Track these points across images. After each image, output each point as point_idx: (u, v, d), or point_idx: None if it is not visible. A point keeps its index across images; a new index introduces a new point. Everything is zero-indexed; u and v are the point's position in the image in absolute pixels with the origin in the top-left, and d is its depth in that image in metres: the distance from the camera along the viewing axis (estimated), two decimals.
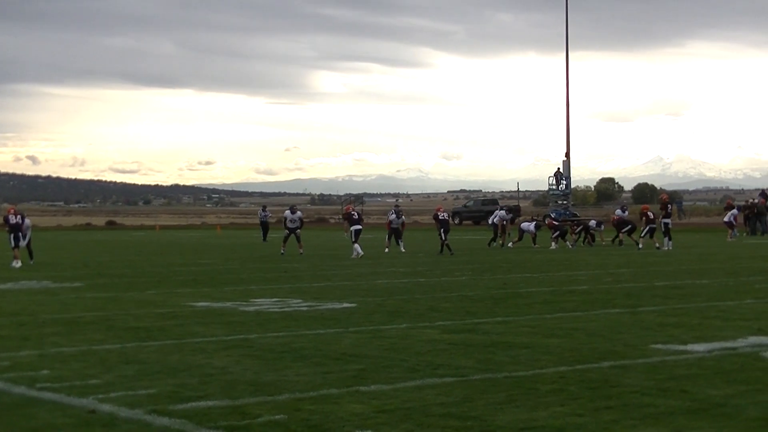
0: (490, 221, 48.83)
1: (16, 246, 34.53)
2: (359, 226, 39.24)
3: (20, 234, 34.68)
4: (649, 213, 42.74)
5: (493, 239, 46.94)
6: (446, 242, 40.17)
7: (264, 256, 39.55)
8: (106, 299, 21.04)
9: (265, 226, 58.77)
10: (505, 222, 47.49)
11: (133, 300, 20.82)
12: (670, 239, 41.78)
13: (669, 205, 43.46)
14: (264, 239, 56.60)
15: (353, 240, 38.26)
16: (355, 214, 40.54)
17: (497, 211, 49.21)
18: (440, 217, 41.74)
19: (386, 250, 42.09)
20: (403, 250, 41.56)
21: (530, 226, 46.99)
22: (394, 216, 43.76)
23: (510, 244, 45.99)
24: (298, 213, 42.03)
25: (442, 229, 40.74)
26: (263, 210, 61.72)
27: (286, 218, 41.79)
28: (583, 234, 47.80)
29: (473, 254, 40.02)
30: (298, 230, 40.92)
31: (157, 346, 13.57)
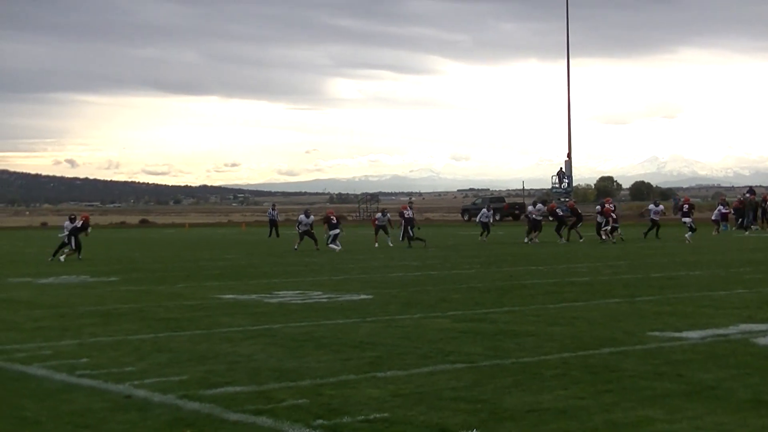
0: (477, 219, 48.50)
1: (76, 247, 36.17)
2: (338, 230, 40.06)
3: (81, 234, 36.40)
4: (612, 214, 42.93)
5: (483, 233, 46.50)
6: (411, 236, 42.01)
7: (286, 252, 39.56)
8: (139, 292, 21.09)
9: (273, 223, 59.18)
10: (537, 216, 45.09)
11: (165, 293, 20.86)
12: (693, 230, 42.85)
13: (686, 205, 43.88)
14: (276, 235, 56.72)
15: (328, 242, 39.24)
16: (334, 218, 40.86)
17: (483, 210, 49.06)
18: (405, 215, 43.03)
19: (376, 245, 42.63)
20: (391, 245, 42.52)
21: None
22: (379, 214, 45.17)
23: (534, 240, 44.09)
24: (312, 217, 42.49)
25: (408, 226, 42.46)
26: (272, 208, 62.35)
27: (300, 222, 42.00)
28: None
29: (480, 248, 39.97)
30: (312, 231, 41.23)
31: (187, 336, 13.61)
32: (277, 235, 56.44)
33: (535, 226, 44.77)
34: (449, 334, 13.24)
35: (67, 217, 37.67)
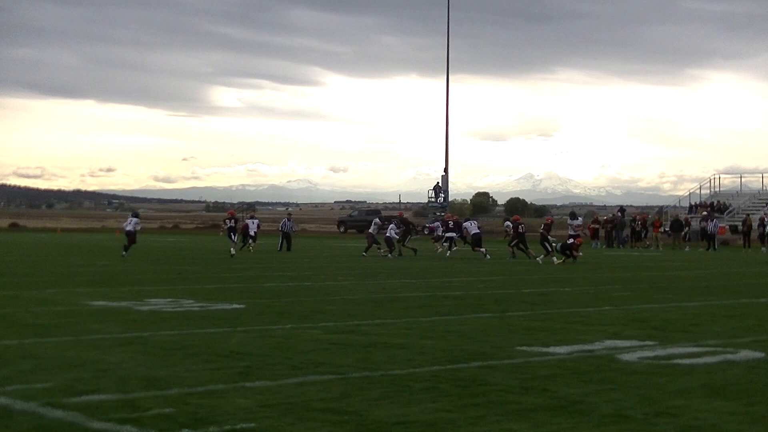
0: (385, 232, 45.46)
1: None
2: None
3: None
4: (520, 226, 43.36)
5: (384, 249, 44.59)
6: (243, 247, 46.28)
7: (159, 259, 39.14)
8: (6, 297, 20.61)
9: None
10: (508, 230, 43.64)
11: (33, 298, 20.44)
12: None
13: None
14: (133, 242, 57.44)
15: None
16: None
17: (392, 225, 47.99)
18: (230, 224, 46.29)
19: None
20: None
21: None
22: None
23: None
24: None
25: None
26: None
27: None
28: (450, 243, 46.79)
29: (356, 261, 40.07)
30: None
31: (55, 342, 13.34)
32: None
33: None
34: (321, 345, 13.23)
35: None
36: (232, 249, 42.88)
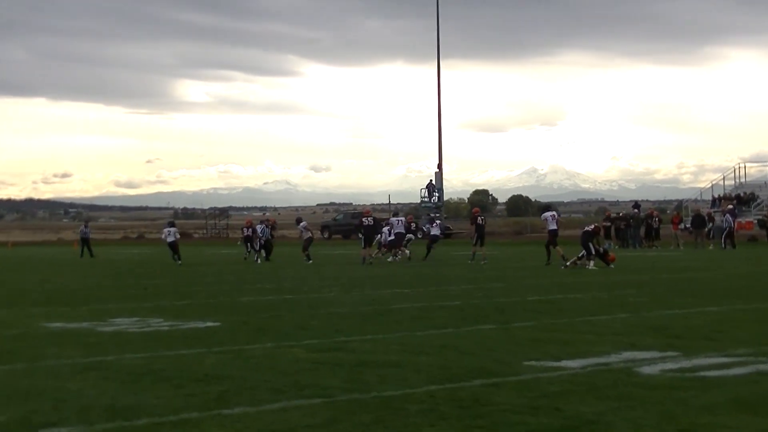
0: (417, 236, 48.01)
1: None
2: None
3: None
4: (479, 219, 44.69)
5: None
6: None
7: (123, 273, 39.09)
8: None
9: (86, 241, 60.74)
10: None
11: None
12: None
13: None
14: (90, 255, 58.66)
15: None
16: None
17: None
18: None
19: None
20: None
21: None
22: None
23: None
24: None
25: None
26: (85, 226, 63.62)
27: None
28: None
29: (342, 269, 40.07)
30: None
31: (7, 370, 13.29)
32: (91, 255, 57.93)
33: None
34: (305, 365, 13.20)
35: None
36: (256, 258, 48.01)
